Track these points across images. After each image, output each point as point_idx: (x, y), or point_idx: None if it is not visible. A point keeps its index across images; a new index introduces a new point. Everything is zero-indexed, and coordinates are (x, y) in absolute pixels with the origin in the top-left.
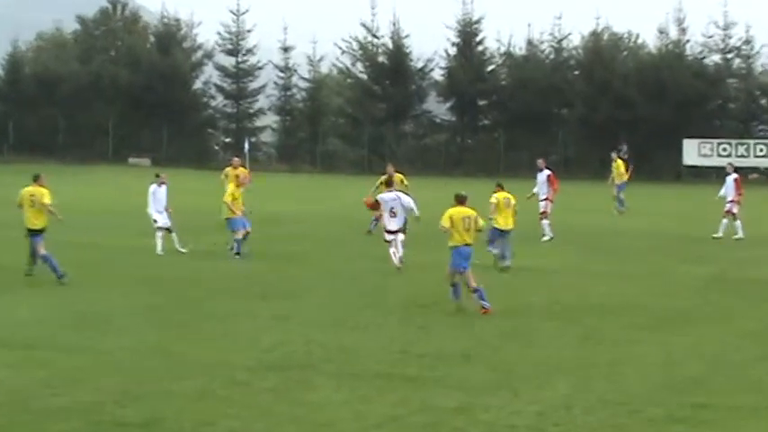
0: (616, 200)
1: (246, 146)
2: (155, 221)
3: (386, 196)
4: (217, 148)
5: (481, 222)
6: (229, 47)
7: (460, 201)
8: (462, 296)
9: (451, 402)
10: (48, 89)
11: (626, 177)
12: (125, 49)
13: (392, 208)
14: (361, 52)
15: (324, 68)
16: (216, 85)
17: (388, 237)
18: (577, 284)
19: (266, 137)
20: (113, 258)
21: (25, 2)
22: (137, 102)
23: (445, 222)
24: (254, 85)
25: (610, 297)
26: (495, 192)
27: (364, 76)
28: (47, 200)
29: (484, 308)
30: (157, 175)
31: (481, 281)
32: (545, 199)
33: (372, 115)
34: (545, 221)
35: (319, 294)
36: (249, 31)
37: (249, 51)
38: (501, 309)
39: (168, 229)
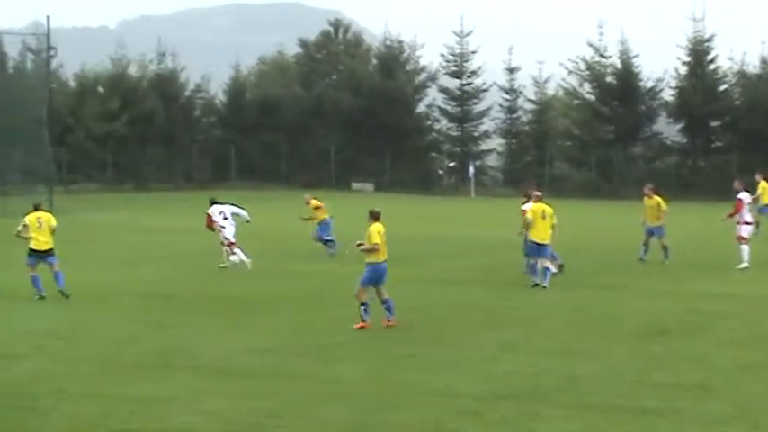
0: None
1: (471, 170)
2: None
3: None
4: (441, 172)
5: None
6: (453, 69)
7: None
8: None
9: None
10: (269, 114)
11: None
12: (347, 73)
13: None
14: (588, 72)
15: (550, 89)
16: (440, 108)
17: None
18: None
19: (491, 160)
20: (336, 286)
21: (246, 25)
22: (359, 126)
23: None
24: (478, 107)
25: None
26: (529, 201)
27: (592, 97)
28: (53, 222)
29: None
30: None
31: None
32: (745, 222)
33: (600, 137)
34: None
35: (546, 322)
36: (473, 53)
37: (473, 73)
38: (740, 338)
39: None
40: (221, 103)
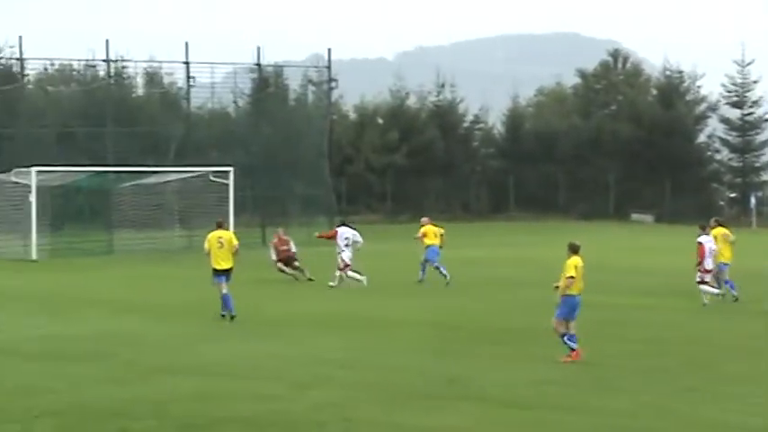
0: None
1: (753, 201)
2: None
3: None
4: (722, 203)
5: None
6: (734, 98)
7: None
8: None
9: None
10: (548, 144)
11: None
12: (626, 103)
13: None
14: None
15: None
16: (720, 138)
17: None
18: None
19: None
20: (616, 317)
21: (524, 56)
22: (638, 156)
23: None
24: (760, 137)
25: None
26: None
27: None
28: (235, 242)
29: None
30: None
31: None
32: None
33: None
34: None
35: None
36: (755, 82)
37: (755, 103)
38: None
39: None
40: (499, 133)
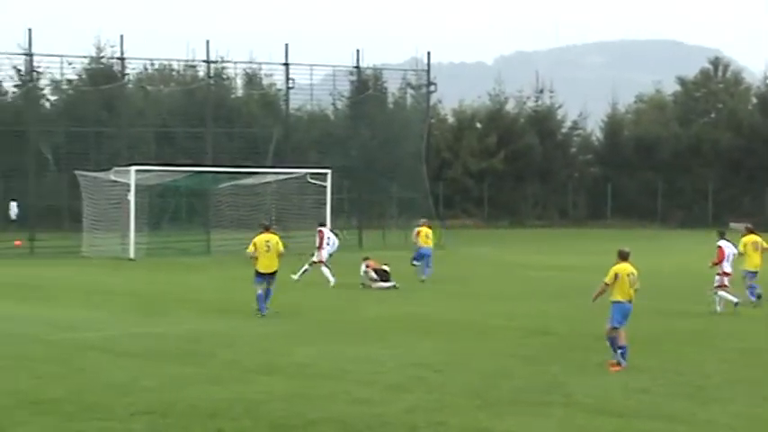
0: None
1: None
2: None
3: None
4: None
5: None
6: None
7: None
8: None
9: None
10: (646, 152)
11: None
12: (726, 112)
13: None
14: None
15: None
16: None
17: None
18: None
19: None
20: (708, 327)
21: (624, 63)
22: (738, 165)
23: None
24: None
25: None
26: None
27: None
28: (281, 247)
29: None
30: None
31: None
32: None
33: None
34: None
35: None
36: None
37: None
38: None
39: None
40: (598, 140)
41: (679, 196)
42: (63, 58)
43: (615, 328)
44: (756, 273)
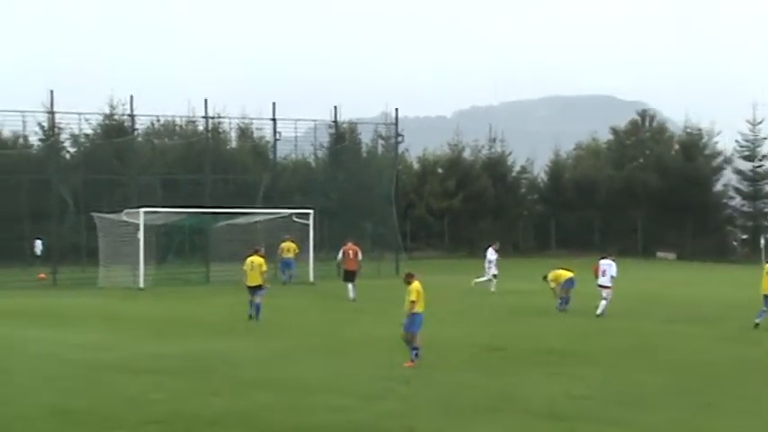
0: None
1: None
2: None
3: None
4: (735, 243)
5: None
6: (746, 153)
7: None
8: None
9: None
10: (585, 192)
11: None
12: (653, 157)
13: None
14: None
15: None
16: (734, 188)
17: None
18: None
19: None
20: (646, 341)
21: (566, 115)
22: (663, 203)
23: None
24: None
25: None
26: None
27: None
28: (264, 267)
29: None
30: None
31: None
32: None
33: None
34: None
35: None
36: (765, 139)
37: (765, 157)
38: None
39: None
40: (543, 182)
41: (613, 230)
42: (81, 115)
43: (409, 333)
44: None
